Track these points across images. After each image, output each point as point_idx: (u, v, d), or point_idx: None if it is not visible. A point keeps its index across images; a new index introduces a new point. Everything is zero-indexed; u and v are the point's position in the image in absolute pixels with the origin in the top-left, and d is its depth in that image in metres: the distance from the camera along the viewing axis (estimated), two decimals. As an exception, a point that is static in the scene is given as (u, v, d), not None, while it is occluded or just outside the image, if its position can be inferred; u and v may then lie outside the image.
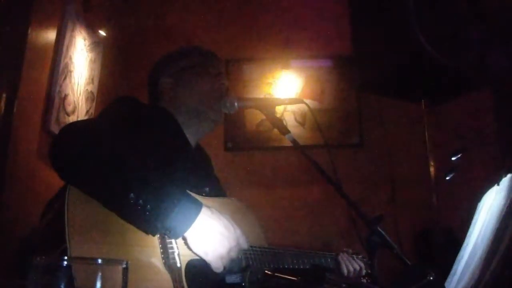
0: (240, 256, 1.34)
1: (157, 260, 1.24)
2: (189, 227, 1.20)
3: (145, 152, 1.35)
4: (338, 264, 1.73)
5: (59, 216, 1.13)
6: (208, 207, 1.27)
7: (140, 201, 1.14)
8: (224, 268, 1.26)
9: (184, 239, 1.23)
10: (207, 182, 1.66)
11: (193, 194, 1.35)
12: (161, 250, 1.25)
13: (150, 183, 1.18)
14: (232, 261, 1.28)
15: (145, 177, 1.19)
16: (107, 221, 1.18)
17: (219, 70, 1.80)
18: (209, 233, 1.23)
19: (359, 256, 1.82)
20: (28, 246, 1.30)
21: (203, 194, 1.52)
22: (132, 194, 1.14)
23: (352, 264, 1.76)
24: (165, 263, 1.24)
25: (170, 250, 1.26)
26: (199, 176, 1.63)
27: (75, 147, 1.23)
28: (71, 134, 1.29)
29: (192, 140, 1.74)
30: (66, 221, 1.11)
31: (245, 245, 1.32)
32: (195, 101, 1.72)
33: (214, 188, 1.73)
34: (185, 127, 1.71)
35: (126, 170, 1.19)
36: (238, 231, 1.30)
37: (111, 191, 1.17)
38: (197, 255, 1.24)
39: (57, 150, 1.27)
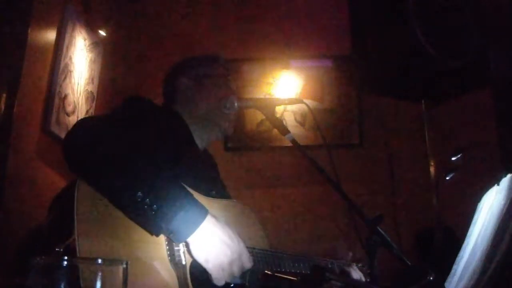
0: (241, 275, 1.29)
1: (163, 257, 1.24)
2: (193, 233, 1.20)
3: (156, 152, 1.37)
4: (347, 274, 1.72)
5: (67, 211, 1.14)
6: (214, 216, 1.26)
7: (147, 200, 1.15)
8: (226, 282, 1.24)
9: (187, 244, 1.23)
10: (214, 186, 1.67)
11: (199, 195, 1.36)
12: (167, 247, 1.26)
13: (159, 183, 1.19)
14: (233, 277, 1.25)
15: (154, 177, 1.20)
16: (115, 217, 1.19)
17: (235, 86, 1.86)
18: (211, 241, 1.22)
19: (359, 265, 1.82)
20: (30, 245, 1.31)
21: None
22: (139, 193, 1.15)
23: (358, 274, 1.75)
24: (170, 260, 1.25)
25: (176, 248, 1.27)
26: (206, 179, 1.64)
27: (87, 142, 1.25)
28: (85, 129, 1.32)
29: (200, 144, 1.76)
30: (75, 216, 1.12)
31: (247, 263, 1.29)
32: (209, 108, 1.74)
33: (220, 192, 1.74)
34: (194, 131, 1.73)
35: (136, 168, 1.20)
36: (242, 245, 1.29)
37: (119, 188, 1.19)
38: (198, 262, 1.24)
39: (69, 144, 1.30)
